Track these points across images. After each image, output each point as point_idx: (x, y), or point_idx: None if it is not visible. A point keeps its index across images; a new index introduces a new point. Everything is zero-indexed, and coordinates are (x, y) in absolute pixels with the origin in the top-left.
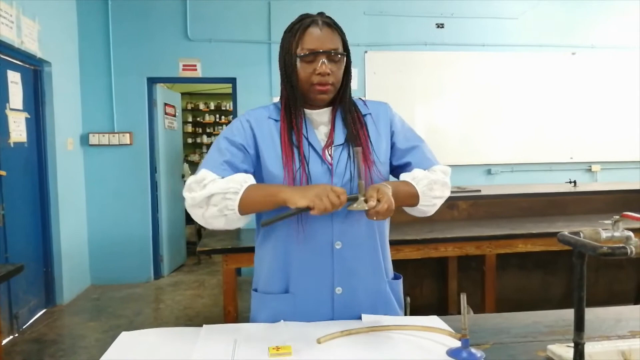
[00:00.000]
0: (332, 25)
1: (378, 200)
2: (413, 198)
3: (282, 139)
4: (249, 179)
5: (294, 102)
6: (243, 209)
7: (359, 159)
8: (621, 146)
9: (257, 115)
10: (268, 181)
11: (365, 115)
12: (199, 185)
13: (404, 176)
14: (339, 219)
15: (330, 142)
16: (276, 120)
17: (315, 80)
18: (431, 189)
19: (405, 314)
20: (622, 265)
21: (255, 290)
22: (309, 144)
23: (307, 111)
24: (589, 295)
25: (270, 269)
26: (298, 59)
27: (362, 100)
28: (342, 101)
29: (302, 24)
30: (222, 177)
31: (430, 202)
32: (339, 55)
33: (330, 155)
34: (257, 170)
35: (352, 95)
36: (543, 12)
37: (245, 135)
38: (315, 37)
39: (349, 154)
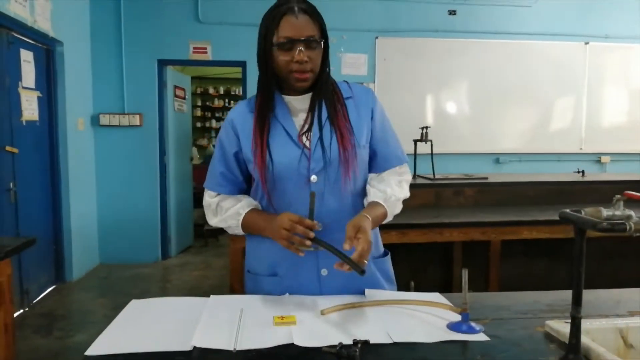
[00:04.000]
0: (308, 11)
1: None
2: (383, 219)
3: (253, 126)
4: (239, 216)
5: (268, 88)
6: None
7: (313, 202)
8: (631, 138)
9: (239, 111)
10: (250, 169)
11: (347, 98)
12: (210, 211)
13: (374, 194)
14: (317, 202)
15: (308, 127)
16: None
17: (293, 68)
18: (396, 206)
19: None
20: (626, 255)
21: (248, 271)
22: (284, 129)
23: (286, 98)
24: (593, 284)
25: (258, 252)
26: (275, 47)
27: (347, 84)
28: (321, 87)
29: (279, 11)
30: (220, 194)
31: (389, 219)
32: (316, 43)
33: (309, 139)
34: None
35: (347, 80)
36: (557, 0)
37: (230, 140)
38: (292, 25)
39: (321, 137)
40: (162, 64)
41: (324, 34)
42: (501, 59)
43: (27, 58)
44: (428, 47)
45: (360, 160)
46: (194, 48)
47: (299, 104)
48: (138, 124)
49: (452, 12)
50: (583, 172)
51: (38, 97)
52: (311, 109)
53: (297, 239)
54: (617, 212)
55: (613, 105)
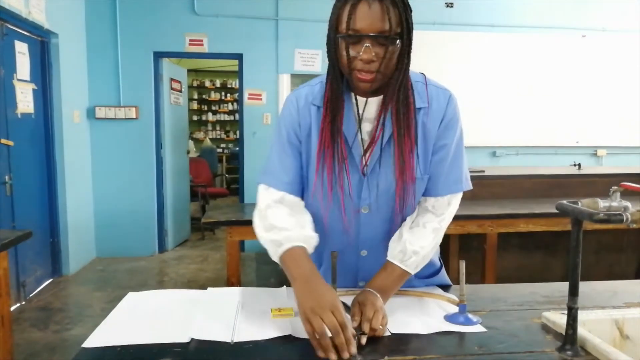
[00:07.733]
0: (387, 0)
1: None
2: (405, 277)
3: (319, 140)
4: (279, 248)
5: (337, 85)
6: None
7: (335, 265)
8: (627, 131)
9: (304, 100)
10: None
11: (419, 109)
12: (257, 217)
13: (392, 252)
14: (364, 229)
15: (371, 144)
16: (318, 107)
17: (357, 66)
18: (421, 262)
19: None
20: (622, 248)
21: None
22: (349, 147)
23: (355, 98)
24: (589, 277)
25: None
26: (340, 39)
27: (425, 84)
28: (393, 92)
29: None
30: (281, 191)
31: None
32: (390, 39)
33: (366, 163)
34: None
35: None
36: None
37: (293, 125)
38: (362, 16)
39: (380, 162)
40: (158, 56)
41: (404, 29)
42: (498, 52)
43: (21, 50)
44: (425, 39)
45: (419, 191)
46: (190, 40)
47: (367, 110)
48: (134, 116)
49: (450, 5)
50: (579, 165)
51: (33, 90)
52: (378, 119)
53: (328, 342)
54: (614, 203)
55: (609, 99)
